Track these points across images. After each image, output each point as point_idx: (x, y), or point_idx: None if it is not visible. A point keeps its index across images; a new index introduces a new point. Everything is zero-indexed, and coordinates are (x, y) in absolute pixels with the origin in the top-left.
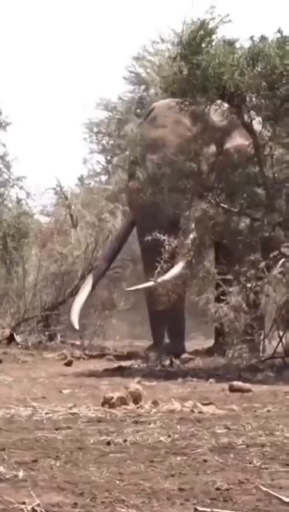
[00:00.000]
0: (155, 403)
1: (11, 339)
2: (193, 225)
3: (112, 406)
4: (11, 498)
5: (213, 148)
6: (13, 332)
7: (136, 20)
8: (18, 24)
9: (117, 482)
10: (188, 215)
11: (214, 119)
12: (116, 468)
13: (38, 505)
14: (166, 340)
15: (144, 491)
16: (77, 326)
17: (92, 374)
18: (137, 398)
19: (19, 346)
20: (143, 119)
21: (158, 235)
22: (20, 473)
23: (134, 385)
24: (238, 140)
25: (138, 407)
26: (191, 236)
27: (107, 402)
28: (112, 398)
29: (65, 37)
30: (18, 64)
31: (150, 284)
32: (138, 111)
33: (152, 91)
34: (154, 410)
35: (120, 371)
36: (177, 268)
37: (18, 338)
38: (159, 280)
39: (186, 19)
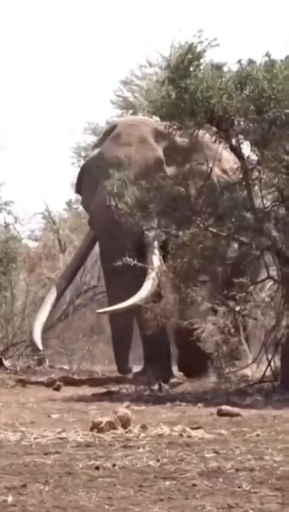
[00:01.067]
0: (144, 427)
1: None
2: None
3: (100, 431)
4: None
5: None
6: (2, 357)
7: (123, 44)
8: (4, 48)
9: (106, 507)
10: (177, 239)
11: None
12: (105, 493)
13: None
14: (133, 367)
15: None
16: (40, 347)
17: (80, 399)
18: (125, 423)
19: (8, 371)
20: (102, 135)
21: (126, 258)
22: (10, 498)
23: (122, 409)
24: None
25: (127, 432)
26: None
27: (96, 427)
28: (100, 423)
29: (52, 61)
30: (5, 88)
31: (122, 306)
32: None
33: (140, 115)
34: (142, 435)
35: (109, 396)
36: (144, 292)
37: (6, 363)
38: (130, 302)
39: (173, 43)
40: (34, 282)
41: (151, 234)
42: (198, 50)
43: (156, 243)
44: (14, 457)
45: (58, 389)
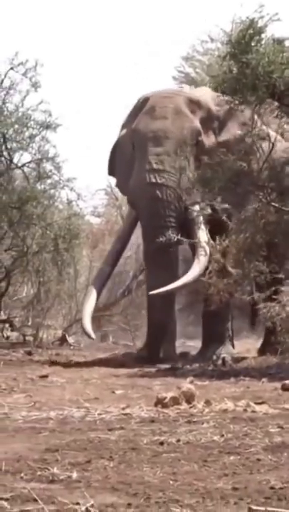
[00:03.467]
0: (208, 403)
1: (63, 340)
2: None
3: (165, 406)
4: (64, 499)
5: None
6: (65, 333)
7: (185, 20)
8: (65, 26)
9: (171, 482)
10: (240, 214)
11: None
12: (169, 468)
13: (92, 505)
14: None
15: (198, 491)
16: (93, 336)
17: (144, 374)
18: (189, 398)
19: (71, 347)
20: (132, 112)
21: (170, 234)
22: (74, 474)
23: (186, 384)
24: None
25: (191, 407)
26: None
27: (160, 403)
28: (164, 398)
29: (114, 39)
30: (67, 65)
31: (176, 285)
32: None
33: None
34: (206, 410)
35: (173, 371)
36: (197, 269)
37: (70, 339)
38: (181, 283)
39: (234, 18)
40: (97, 258)
41: (195, 209)
42: (259, 25)
43: (201, 218)
44: (78, 433)
45: (122, 365)
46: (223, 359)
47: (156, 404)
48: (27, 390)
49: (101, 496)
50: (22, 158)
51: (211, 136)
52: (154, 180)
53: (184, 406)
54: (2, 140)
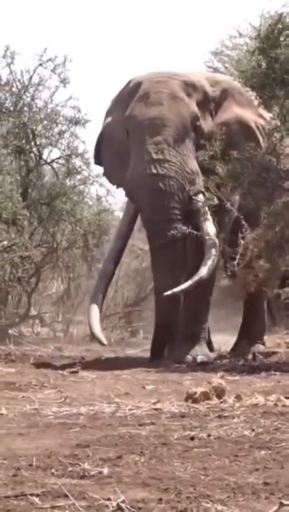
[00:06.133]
0: (238, 397)
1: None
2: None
3: (195, 401)
4: (95, 494)
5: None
6: None
7: (213, 14)
8: (95, 26)
9: (202, 477)
10: (270, 208)
11: None
12: (200, 463)
13: (123, 501)
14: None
15: (229, 486)
16: (104, 341)
17: (175, 369)
18: (220, 393)
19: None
20: (119, 96)
21: (181, 227)
22: (105, 470)
23: (217, 379)
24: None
25: (221, 402)
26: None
27: (191, 398)
28: (195, 393)
29: (142, 33)
30: (95, 61)
31: (190, 283)
32: None
33: None
34: (237, 405)
35: (203, 366)
36: (209, 264)
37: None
38: (194, 281)
39: (263, 13)
40: (127, 254)
41: (200, 199)
42: (288, 19)
43: (207, 208)
44: (109, 429)
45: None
46: (254, 353)
47: (186, 400)
48: (58, 385)
49: (132, 491)
50: (51, 154)
51: (208, 118)
52: (155, 170)
53: (215, 401)
54: (31, 136)
